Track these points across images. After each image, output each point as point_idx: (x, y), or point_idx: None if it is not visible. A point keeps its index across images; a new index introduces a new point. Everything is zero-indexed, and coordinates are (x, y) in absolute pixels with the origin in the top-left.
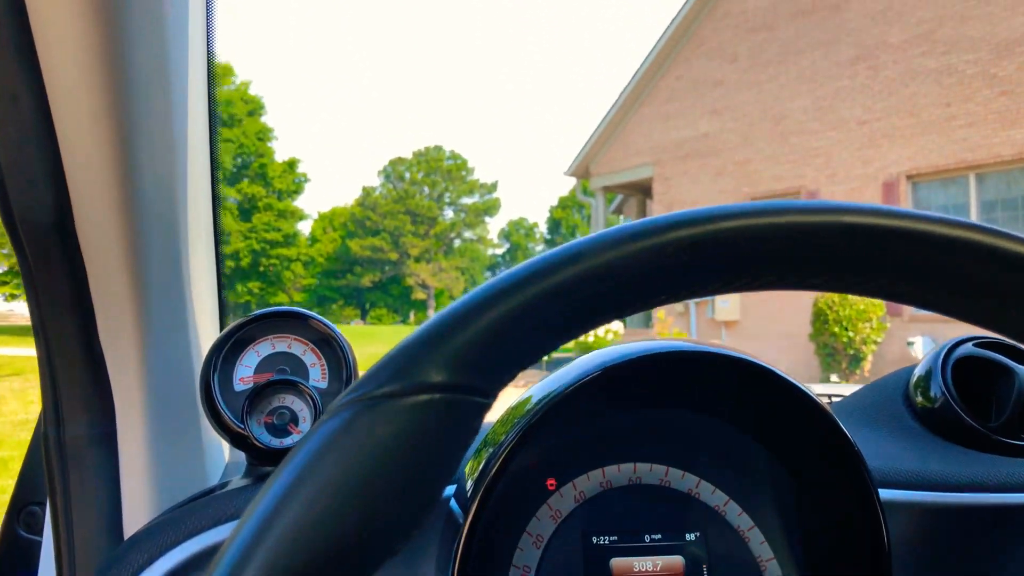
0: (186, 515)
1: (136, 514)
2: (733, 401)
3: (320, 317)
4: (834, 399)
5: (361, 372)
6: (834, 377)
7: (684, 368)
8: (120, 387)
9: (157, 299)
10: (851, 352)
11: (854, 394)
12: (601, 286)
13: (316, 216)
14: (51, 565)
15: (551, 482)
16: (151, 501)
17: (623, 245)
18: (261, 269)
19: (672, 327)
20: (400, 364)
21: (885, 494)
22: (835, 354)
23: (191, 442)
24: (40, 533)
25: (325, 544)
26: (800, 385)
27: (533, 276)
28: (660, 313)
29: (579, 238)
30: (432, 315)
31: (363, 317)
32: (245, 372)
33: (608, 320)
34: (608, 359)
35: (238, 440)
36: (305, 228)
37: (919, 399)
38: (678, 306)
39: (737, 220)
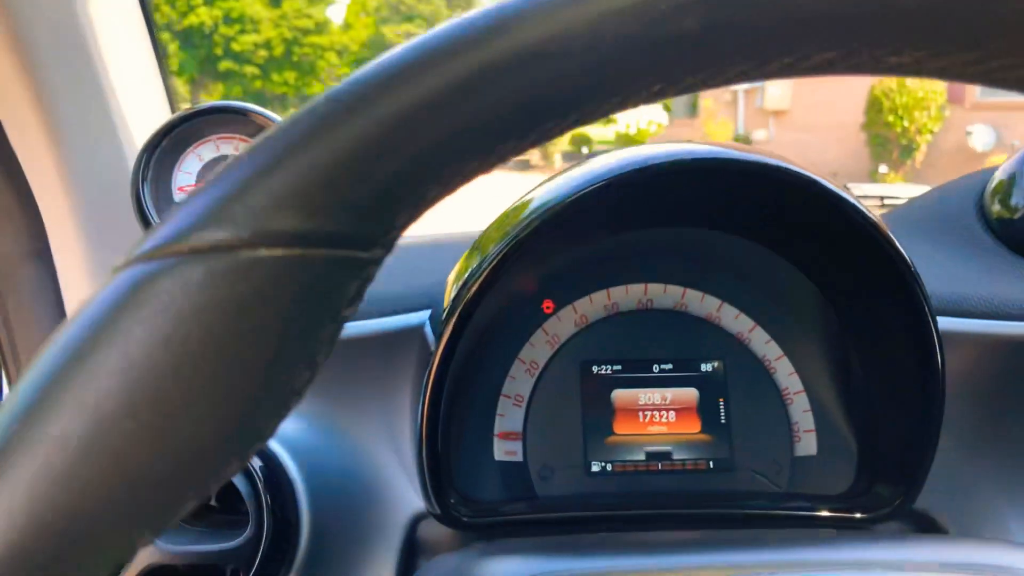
0: None
1: None
2: (764, 216)
3: (267, 112)
4: (887, 202)
5: None
6: (883, 167)
7: (707, 178)
8: (45, 197)
9: (61, 93)
10: (904, 142)
11: (915, 201)
12: (553, 67)
13: (348, 0)
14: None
15: (548, 304)
16: None
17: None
18: (295, 59)
19: (718, 116)
20: (227, 201)
21: (946, 323)
22: (886, 144)
23: None
24: None
25: (95, 493)
26: (846, 196)
27: (437, 54)
28: (707, 100)
29: None
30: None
31: None
32: (185, 180)
33: (566, 128)
34: (619, 166)
35: None
36: (337, 15)
37: (996, 208)
38: (725, 94)
39: None
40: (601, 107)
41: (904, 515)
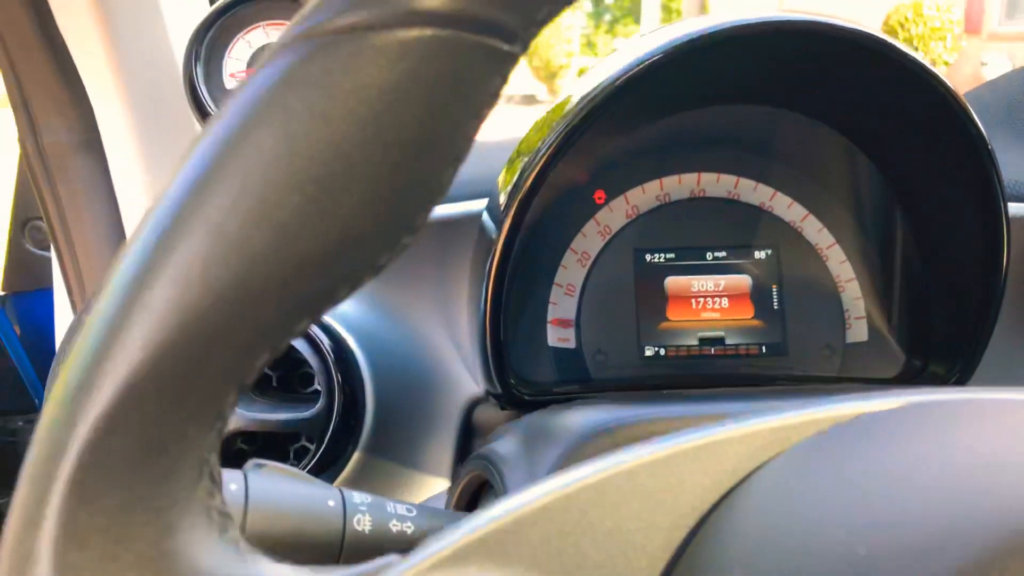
0: None
1: None
2: (824, 89)
3: None
4: None
5: None
6: None
7: (763, 48)
8: (95, 87)
9: None
10: None
11: (968, 93)
12: None
13: None
14: (61, 280)
15: (599, 195)
16: None
17: None
18: None
19: None
20: None
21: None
22: None
23: None
24: (48, 248)
25: (265, 262)
26: (923, 61)
27: None
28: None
29: None
30: None
31: None
32: (236, 67)
33: None
34: (667, 42)
35: None
36: None
37: None
38: None
39: None
40: None
41: None
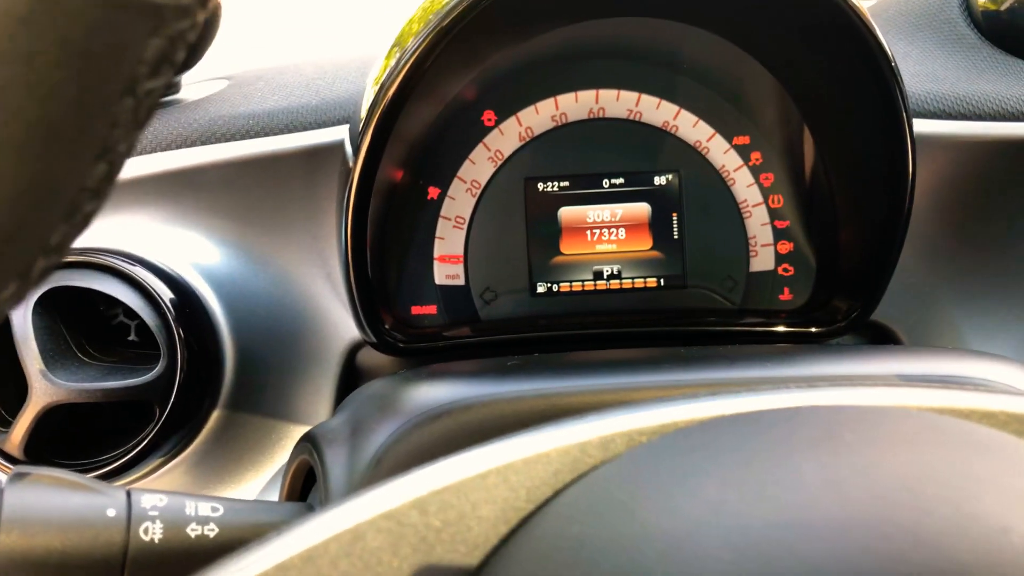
0: None
1: None
2: (728, 4)
3: None
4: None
5: None
6: None
7: None
8: None
9: None
10: None
11: (877, 5)
12: None
13: None
14: None
15: (489, 116)
16: None
17: None
18: None
19: None
20: None
21: (922, 126)
22: None
23: None
24: None
25: None
26: None
27: None
28: None
29: None
30: None
31: None
32: None
33: None
34: None
35: None
36: None
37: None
38: None
39: None
40: None
41: (860, 328)
